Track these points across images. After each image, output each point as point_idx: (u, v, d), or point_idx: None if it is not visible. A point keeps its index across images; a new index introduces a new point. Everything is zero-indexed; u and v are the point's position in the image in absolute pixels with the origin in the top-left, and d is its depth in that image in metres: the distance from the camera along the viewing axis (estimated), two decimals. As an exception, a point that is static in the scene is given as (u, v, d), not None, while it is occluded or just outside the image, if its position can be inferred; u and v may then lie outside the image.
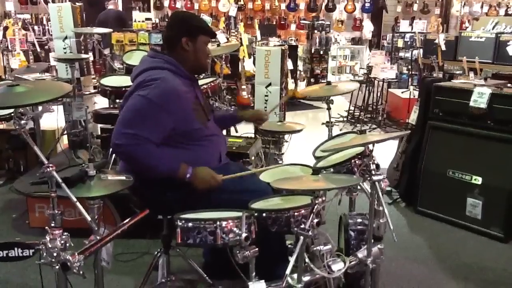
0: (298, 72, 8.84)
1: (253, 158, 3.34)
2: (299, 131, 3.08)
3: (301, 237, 1.72)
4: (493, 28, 5.94)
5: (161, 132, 2.12)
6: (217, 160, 2.32)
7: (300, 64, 9.28)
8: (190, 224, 1.81)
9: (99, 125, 4.12)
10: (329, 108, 2.98)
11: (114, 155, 3.21)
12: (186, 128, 2.18)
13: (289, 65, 7.86)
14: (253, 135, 3.76)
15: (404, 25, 10.86)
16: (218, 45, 4.22)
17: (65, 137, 4.34)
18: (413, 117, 3.92)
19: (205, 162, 2.20)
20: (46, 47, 8.74)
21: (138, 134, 2.04)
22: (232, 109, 3.17)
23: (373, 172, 1.88)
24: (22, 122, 1.63)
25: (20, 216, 3.44)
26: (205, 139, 2.25)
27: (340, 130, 6.18)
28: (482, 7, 10.93)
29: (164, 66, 2.20)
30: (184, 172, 2.12)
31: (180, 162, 2.14)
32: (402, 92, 6.90)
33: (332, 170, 2.24)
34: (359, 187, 2.42)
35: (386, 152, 4.21)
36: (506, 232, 3.21)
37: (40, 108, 3.40)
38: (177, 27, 2.29)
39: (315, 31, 9.28)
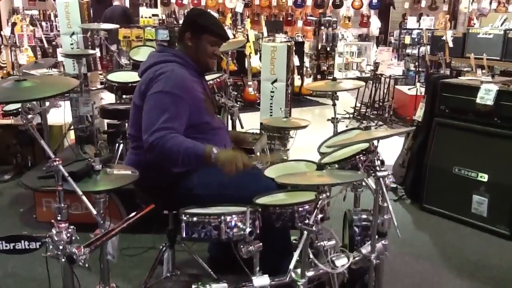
0: (304, 69, 8.83)
1: (258, 154, 3.34)
2: (304, 127, 3.08)
3: (305, 232, 1.73)
4: (501, 25, 5.90)
5: (184, 120, 2.13)
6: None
7: (306, 60, 9.26)
8: (195, 219, 1.83)
9: (106, 121, 4.15)
10: (334, 105, 2.98)
11: (120, 149, 3.24)
12: (197, 120, 2.21)
13: (296, 61, 7.86)
14: (258, 131, 3.76)
15: (411, 22, 10.80)
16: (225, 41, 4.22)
17: (72, 132, 4.37)
18: (419, 114, 3.90)
19: None
20: (54, 43, 8.79)
21: (165, 127, 2.05)
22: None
23: (377, 168, 1.88)
24: (29, 116, 1.64)
25: (27, 210, 3.47)
26: (211, 133, 2.27)
27: (346, 126, 6.17)
28: (490, 3, 10.84)
29: (171, 59, 2.24)
30: (210, 152, 2.01)
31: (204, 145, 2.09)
32: (409, 89, 6.88)
33: (336, 166, 2.24)
34: (363, 183, 2.42)
35: (392, 148, 4.20)
36: (511, 230, 3.20)
37: (47, 103, 3.43)
38: (185, 22, 2.37)
39: (322, 28, 9.26)
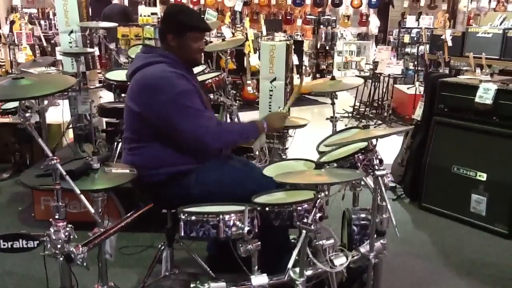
0: (303, 67, 8.83)
1: (257, 153, 3.34)
2: (303, 126, 3.07)
3: (304, 231, 1.73)
4: (500, 24, 5.90)
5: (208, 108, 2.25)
6: (218, 150, 2.32)
7: (305, 59, 9.26)
8: (193, 218, 1.83)
9: (104, 119, 4.14)
10: (333, 103, 2.98)
11: (118, 148, 3.23)
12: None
13: (295, 60, 7.85)
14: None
15: (410, 21, 10.79)
16: (223, 40, 4.22)
17: (70, 131, 4.36)
18: (418, 113, 3.90)
19: (206, 153, 2.22)
20: (52, 41, 8.77)
21: (205, 124, 2.12)
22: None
23: (376, 167, 1.89)
24: (27, 115, 1.64)
25: (26, 208, 3.47)
26: None
27: (345, 125, 6.16)
28: (489, 2, 10.84)
29: (159, 60, 2.20)
30: (262, 127, 2.30)
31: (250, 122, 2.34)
32: (408, 88, 6.88)
33: (335, 165, 2.24)
34: (362, 182, 2.42)
35: (391, 147, 4.20)
36: (510, 229, 3.20)
37: (45, 101, 3.43)
38: (165, 23, 2.32)
39: (321, 26, 9.26)
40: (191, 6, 11.02)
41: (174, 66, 2.20)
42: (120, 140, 3.33)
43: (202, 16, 2.46)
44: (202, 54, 2.41)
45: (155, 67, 2.17)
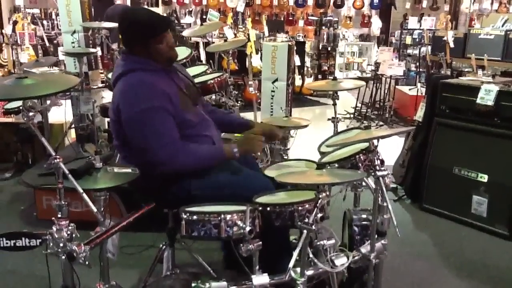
0: (305, 68, 8.83)
1: (258, 153, 3.35)
2: (304, 126, 3.08)
3: (305, 231, 1.73)
4: (502, 25, 5.89)
5: (175, 127, 2.12)
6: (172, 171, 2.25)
7: (307, 60, 9.26)
8: (195, 217, 1.83)
9: (106, 119, 4.14)
10: (334, 104, 2.99)
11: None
12: (179, 119, 2.15)
13: (297, 61, 7.86)
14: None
15: (412, 22, 10.80)
16: (225, 41, 4.23)
17: (72, 131, 4.37)
18: (419, 114, 3.91)
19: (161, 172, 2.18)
20: (55, 41, 8.78)
21: (166, 141, 2.06)
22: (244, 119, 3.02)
23: (377, 168, 1.89)
24: (30, 114, 1.65)
25: (28, 208, 3.49)
26: (196, 127, 2.23)
27: (347, 126, 6.17)
28: (492, 4, 10.83)
29: (135, 67, 2.16)
30: (230, 151, 2.18)
31: (215, 145, 2.23)
32: (410, 89, 6.88)
33: (336, 165, 2.24)
34: (363, 182, 2.42)
35: (392, 148, 4.21)
36: (511, 230, 3.20)
37: (48, 101, 3.44)
38: (124, 37, 2.22)
39: (323, 27, 9.26)
40: (193, 7, 11.05)
41: (151, 71, 2.16)
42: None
43: (156, 12, 2.33)
44: (176, 49, 2.30)
45: (130, 76, 2.13)
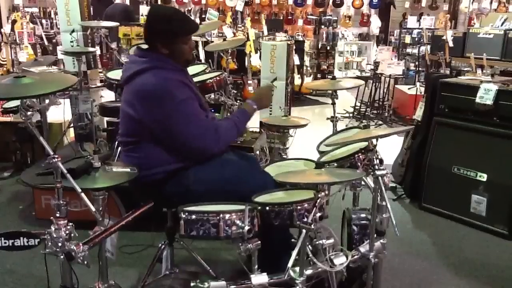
0: (304, 68, 8.83)
1: (257, 152, 3.35)
2: (304, 125, 3.08)
3: (304, 231, 1.73)
4: (501, 25, 5.89)
5: (205, 111, 2.26)
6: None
7: (306, 59, 9.25)
8: (193, 216, 1.83)
9: (105, 118, 4.14)
10: (334, 103, 2.99)
11: (119, 148, 3.23)
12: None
13: (296, 60, 7.86)
14: (258, 129, 3.76)
15: (412, 21, 10.79)
16: (225, 40, 4.22)
17: (71, 130, 4.36)
18: (419, 113, 3.90)
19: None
20: (54, 40, 8.78)
21: (205, 126, 2.16)
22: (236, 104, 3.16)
23: (376, 167, 1.89)
24: (29, 113, 1.64)
25: (26, 207, 3.48)
26: None
27: (346, 126, 6.17)
28: (491, 3, 10.83)
29: (155, 65, 2.17)
30: (252, 109, 2.38)
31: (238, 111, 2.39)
32: (409, 89, 6.88)
33: (335, 164, 2.24)
34: (362, 182, 2.42)
35: (391, 148, 4.20)
36: (510, 229, 3.20)
37: (47, 100, 3.43)
38: (150, 33, 2.24)
39: (322, 27, 9.26)
40: (192, 6, 11.03)
41: (172, 70, 2.20)
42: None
43: (188, 14, 2.42)
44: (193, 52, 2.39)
45: (153, 74, 2.15)
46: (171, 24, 2.20)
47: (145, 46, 2.29)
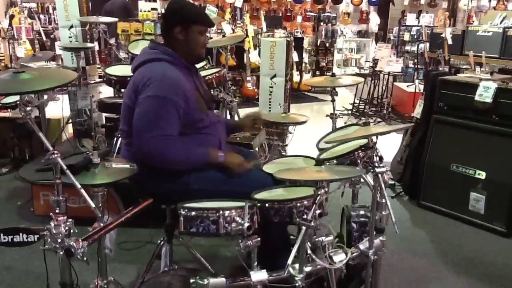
0: (303, 64, 8.82)
1: (256, 149, 3.34)
2: (303, 122, 3.08)
3: (303, 228, 1.73)
4: (500, 23, 5.89)
5: (178, 124, 2.13)
6: (217, 148, 2.32)
7: (305, 56, 9.24)
8: (193, 213, 1.83)
9: (104, 114, 4.14)
10: (333, 100, 2.98)
11: (118, 143, 3.22)
12: (189, 120, 2.18)
13: (295, 57, 7.85)
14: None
15: (411, 19, 10.79)
16: (224, 36, 4.21)
17: (70, 126, 4.36)
18: (417, 111, 3.90)
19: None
20: (52, 36, 8.75)
21: (162, 133, 2.06)
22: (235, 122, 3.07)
23: (376, 164, 1.88)
24: (28, 109, 1.63)
25: (25, 203, 3.47)
26: (206, 128, 2.26)
27: (345, 123, 6.17)
28: (490, 1, 10.83)
29: (161, 57, 2.20)
30: (216, 155, 2.19)
31: (205, 147, 2.21)
32: (408, 86, 6.88)
33: (335, 161, 2.24)
34: (362, 179, 2.42)
35: (390, 145, 4.20)
36: (508, 227, 3.21)
37: (45, 96, 3.42)
38: (170, 17, 2.28)
39: (321, 24, 9.24)
40: (191, 1, 11.01)
41: (176, 65, 2.20)
42: (119, 135, 3.33)
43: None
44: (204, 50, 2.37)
45: (156, 64, 2.18)
46: (189, 9, 2.27)
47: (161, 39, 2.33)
